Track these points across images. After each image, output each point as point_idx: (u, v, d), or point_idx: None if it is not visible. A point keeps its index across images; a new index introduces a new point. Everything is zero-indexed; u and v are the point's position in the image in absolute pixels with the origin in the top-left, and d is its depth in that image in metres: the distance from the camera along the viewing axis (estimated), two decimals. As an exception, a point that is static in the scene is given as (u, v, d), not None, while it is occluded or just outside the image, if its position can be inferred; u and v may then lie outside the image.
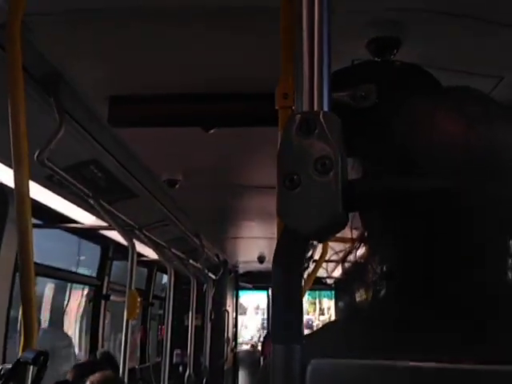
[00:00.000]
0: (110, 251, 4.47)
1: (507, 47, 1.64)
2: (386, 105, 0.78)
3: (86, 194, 2.54)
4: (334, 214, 0.49)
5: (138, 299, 3.07)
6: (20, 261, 1.37)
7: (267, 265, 6.74)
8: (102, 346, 4.49)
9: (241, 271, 8.15)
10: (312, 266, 4.40)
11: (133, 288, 3.04)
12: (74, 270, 4.47)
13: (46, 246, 3.58)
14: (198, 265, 5.02)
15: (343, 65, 1.45)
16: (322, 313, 9.22)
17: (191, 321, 4.93)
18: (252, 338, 9.06)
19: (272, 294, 0.50)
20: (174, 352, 6.04)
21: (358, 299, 0.71)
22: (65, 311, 4.54)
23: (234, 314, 8.40)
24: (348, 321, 0.74)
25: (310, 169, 0.50)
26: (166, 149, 2.63)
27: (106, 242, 4.38)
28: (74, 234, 3.97)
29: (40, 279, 3.75)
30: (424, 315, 0.58)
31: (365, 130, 0.74)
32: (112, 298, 4.52)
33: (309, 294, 8.87)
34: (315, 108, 0.51)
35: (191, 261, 4.87)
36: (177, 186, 3.04)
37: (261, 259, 6.55)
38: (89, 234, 4.06)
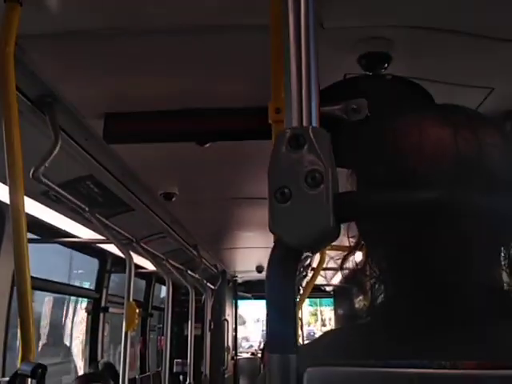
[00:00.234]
0: (107, 264, 4.47)
1: (496, 59, 1.66)
2: (377, 117, 0.79)
3: (83, 208, 2.55)
4: (325, 226, 0.50)
5: (137, 311, 3.07)
6: (17, 275, 1.39)
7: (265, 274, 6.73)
8: (102, 358, 4.49)
9: (239, 281, 8.14)
10: (310, 273, 4.41)
11: (131, 300, 3.04)
12: (72, 283, 4.47)
13: (43, 261, 3.59)
14: (197, 275, 5.02)
15: (336, 79, 1.47)
16: (323, 324, 9.11)
17: (191, 330, 4.93)
18: (252, 346, 9.04)
19: (266, 305, 0.51)
20: (175, 361, 6.03)
21: (356, 306, 0.71)
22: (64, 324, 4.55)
23: (234, 323, 8.38)
24: (347, 328, 0.75)
25: (300, 182, 0.51)
26: (161, 163, 2.64)
27: (103, 255, 4.38)
28: (71, 248, 3.97)
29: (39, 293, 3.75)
30: (421, 321, 0.59)
31: (356, 141, 0.75)
32: (111, 310, 4.52)
33: (309, 303, 8.83)
34: (304, 123, 0.53)
35: (189, 272, 4.88)
36: (173, 199, 3.05)
37: (259, 269, 6.54)
38: (86, 247, 4.06)
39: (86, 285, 4.66)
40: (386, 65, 1.66)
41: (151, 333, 6.17)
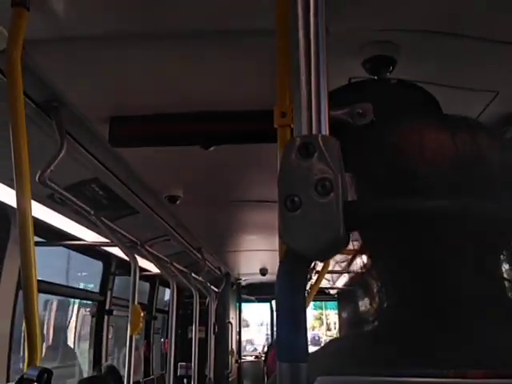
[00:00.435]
0: (112, 266, 4.48)
1: (501, 63, 1.66)
2: (381, 122, 0.80)
3: (88, 211, 2.56)
4: (335, 235, 0.50)
5: (141, 314, 3.06)
6: (23, 278, 1.39)
7: (269, 277, 6.74)
8: (106, 361, 4.50)
9: (243, 284, 8.14)
10: (315, 277, 4.41)
11: (136, 303, 3.04)
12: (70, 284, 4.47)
13: (48, 263, 3.59)
14: (200, 278, 5.03)
15: (340, 83, 1.48)
16: (328, 328, 9.03)
17: (195, 333, 4.91)
18: (256, 349, 9.02)
19: (276, 314, 0.51)
20: (179, 365, 6.03)
21: (360, 310, 0.71)
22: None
23: (238, 325, 8.37)
24: (352, 336, 0.75)
25: (310, 190, 0.50)
26: (166, 166, 2.65)
27: (108, 258, 4.39)
28: (76, 250, 3.98)
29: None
30: (426, 329, 0.59)
31: (358, 146, 0.75)
32: (115, 312, 4.52)
33: (314, 307, 8.79)
34: (314, 131, 0.53)
35: (193, 274, 4.88)
36: (178, 202, 3.06)
37: (263, 271, 6.54)
38: (90, 249, 4.07)
39: (81, 286, 4.68)
40: (391, 68, 1.67)
41: (155, 336, 6.17)
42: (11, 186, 2.25)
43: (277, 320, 0.51)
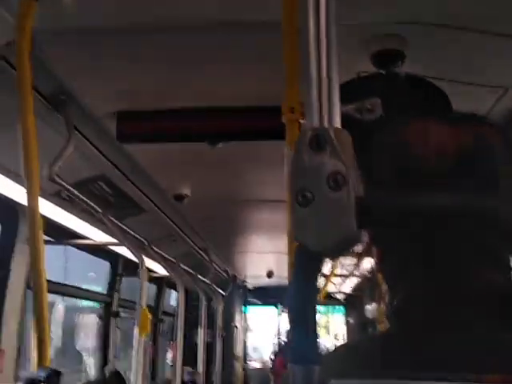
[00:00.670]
0: (119, 267, 4.46)
1: (510, 59, 1.65)
2: (388, 117, 0.79)
3: (96, 209, 2.55)
4: (348, 230, 0.49)
5: (149, 316, 3.03)
6: (33, 278, 1.39)
7: (276, 280, 6.73)
8: (113, 364, 4.48)
9: (249, 286, 8.13)
10: (322, 280, 4.40)
11: (144, 305, 3.01)
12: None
13: (55, 263, 3.60)
14: (207, 280, 5.01)
15: (349, 77, 1.47)
16: (335, 337, 8.84)
17: (202, 338, 4.86)
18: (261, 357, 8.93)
19: (288, 314, 0.51)
20: (184, 370, 6.00)
21: (369, 313, 0.70)
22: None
23: (243, 330, 8.35)
24: (363, 340, 0.74)
25: (322, 185, 0.49)
26: (173, 163, 2.65)
27: (115, 258, 4.38)
28: (83, 250, 3.98)
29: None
30: (438, 329, 0.58)
31: (366, 141, 0.74)
32: (122, 314, 4.51)
33: (320, 312, 8.70)
34: (325, 124, 0.51)
35: (200, 276, 4.86)
36: (185, 201, 3.06)
37: (269, 274, 6.54)
38: (98, 249, 4.07)
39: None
40: (400, 62, 1.66)
41: (161, 339, 6.16)
42: (18, 182, 2.25)
43: (289, 319, 0.50)
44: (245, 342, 8.39)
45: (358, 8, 1.45)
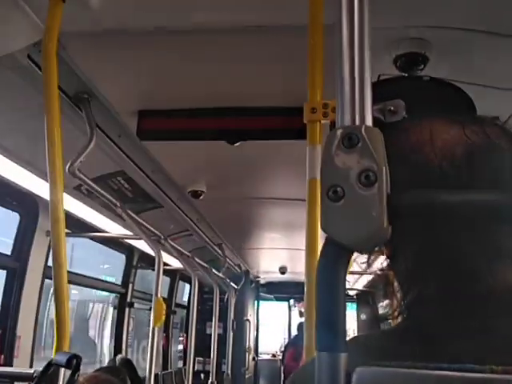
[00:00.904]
0: (134, 259, 4.52)
1: None
2: (410, 118, 0.80)
3: (114, 203, 2.59)
4: (378, 226, 0.50)
5: (164, 307, 3.06)
6: (54, 266, 1.41)
7: (289, 276, 6.74)
8: (126, 353, 4.54)
9: (262, 282, 8.15)
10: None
11: (159, 295, 3.05)
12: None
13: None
14: (220, 274, 5.05)
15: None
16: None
17: (214, 329, 4.92)
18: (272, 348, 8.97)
19: (317, 303, 0.51)
20: (196, 360, 6.05)
21: (380, 312, 0.70)
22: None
23: (256, 323, 8.38)
24: (377, 333, 0.75)
25: (353, 181, 0.50)
26: (191, 161, 2.67)
27: (130, 251, 4.44)
28: (100, 242, 4.04)
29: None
30: (453, 324, 0.59)
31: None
32: (136, 305, 4.57)
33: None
34: (357, 122, 0.52)
35: (214, 270, 4.90)
36: (201, 198, 3.08)
37: (282, 270, 6.53)
38: (114, 242, 4.12)
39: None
40: (423, 66, 1.65)
41: (173, 330, 6.22)
42: (41, 177, 2.30)
43: (317, 310, 0.51)
44: (256, 335, 8.42)
45: (381, 11, 1.43)
